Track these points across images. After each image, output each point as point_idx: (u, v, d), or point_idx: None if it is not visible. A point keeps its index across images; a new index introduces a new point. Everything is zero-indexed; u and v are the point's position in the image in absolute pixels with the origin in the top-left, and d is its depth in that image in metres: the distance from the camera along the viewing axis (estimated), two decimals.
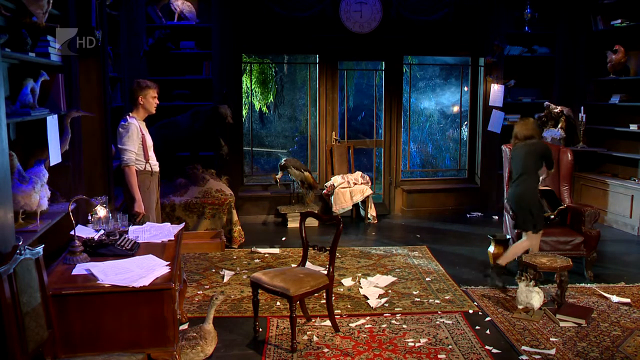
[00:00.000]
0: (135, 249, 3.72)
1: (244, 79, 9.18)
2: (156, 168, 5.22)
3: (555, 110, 8.40)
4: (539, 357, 4.14)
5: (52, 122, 4.14)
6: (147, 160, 5.09)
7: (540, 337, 4.47)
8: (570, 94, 8.97)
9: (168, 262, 3.46)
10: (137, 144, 5.00)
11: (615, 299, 5.25)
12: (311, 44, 8.73)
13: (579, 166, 8.40)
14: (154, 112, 5.20)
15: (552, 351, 4.21)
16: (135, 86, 5.10)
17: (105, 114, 5.58)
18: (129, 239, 3.84)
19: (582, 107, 8.58)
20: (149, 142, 5.16)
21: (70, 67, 4.76)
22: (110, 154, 5.70)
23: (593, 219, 5.92)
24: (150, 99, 5.09)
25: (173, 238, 4.10)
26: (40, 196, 3.76)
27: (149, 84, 5.11)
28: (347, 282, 5.72)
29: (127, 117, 5.07)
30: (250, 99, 10.00)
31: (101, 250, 3.62)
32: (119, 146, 4.99)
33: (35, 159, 4.07)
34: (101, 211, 3.96)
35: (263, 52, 10.14)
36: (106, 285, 3.10)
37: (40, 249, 2.96)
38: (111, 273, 3.23)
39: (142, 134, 5.06)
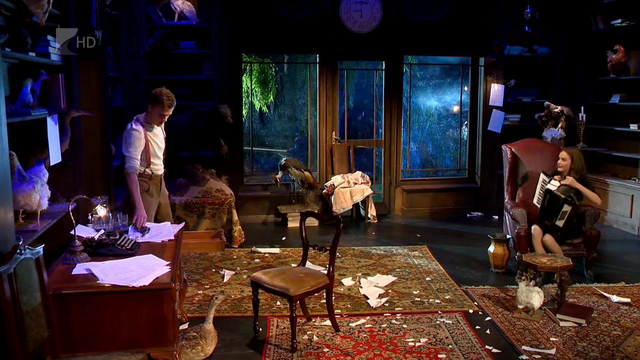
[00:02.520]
0: (136, 249, 3.73)
1: (244, 78, 9.18)
2: (158, 172, 5.16)
3: (555, 110, 8.39)
4: (539, 356, 4.14)
5: (52, 121, 4.14)
6: (148, 164, 5.04)
7: (540, 336, 4.47)
8: (570, 93, 8.97)
9: (168, 262, 3.46)
10: (140, 149, 4.93)
11: (615, 298, 5.25)
12: (311, 43, 8.73)
13: None
14: (156, 125, 5.07)
15: (552, 351, 4.21)
16: (154, 92, 4.93)
17: (105, 113, 5.58)
18: (129, 239, 3.85)
19: (582, 107, 8.57)
20: (155, 147, 5.07)
21: (70, 67, 4.76)
22: (110, 153, 5.70)
23: (593, 219, 5.92)
24: (157, 115, 4.96)
25: (173, 238, 4.11)
26: (40, 196, 3.76)
27: (164, 101, 4.88)
28: (347, 281, 5.72)
29: (133, 121, 4.99)
30: (250, 98, 10.00)
31: (101, 250, 3.63)
32: (123, 152, 4.95)
33: (35, 159, 4.08)
34: (101, 211, 3.96)
35: (263, 52, 10.13)
36: (106, 285, 3.10)
37: (40, 248, 2.96)
38: (111, 273, 3.23)
39: (147, 140, 4.97)
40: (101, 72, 5.51)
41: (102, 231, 3.92)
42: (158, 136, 5.14)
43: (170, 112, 5.04)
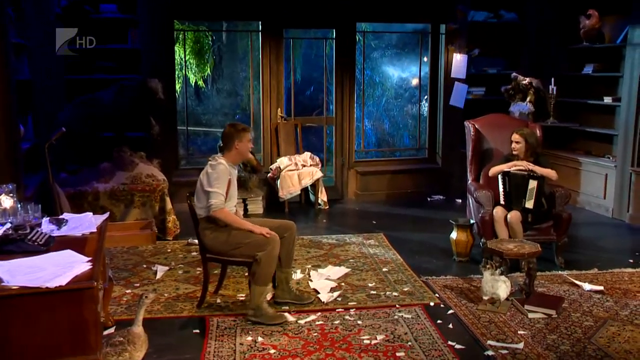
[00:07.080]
0: (51, 244, 3.62)
1: (176, 49, 9.02)
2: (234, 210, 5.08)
3: (524, 82, 8.53)
4: (506, 351, 4.22)
5: None
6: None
7: (507, 330, 4.56)
8: (539, 64, 9.12)
9: (89, 258, 3.38)
10: (226, 186, 4.84)
11: (587, 286, 5.39)
12: (253, 9, 8.62)
13: (549, 143, 8.53)
14: (248, 157, 5.04)
15: (520, 345, 4.30)
16: (230, 129, 4.93)
17: (8, 87, 5.34)
18: (42, 233, 3.72)
19: (552, 79, 8.69)
20: (233, 190, 5.01)
21: None
22: (18, 135, 5.49)
23: (564, 201, 6.06)
24: (247, 143, 4.94)
25: (95, 230, 4.01)
26: None
27: (245, 127, 4.99)
28: (296, 275, 5.72)
29: (216, 156, 4.94)
30: (184, 71, 9.83)
31: (7, 247, 3.50)
32: (207, 188, 4.80)
33: None
34: (7, 202, 3.83)
35: (198, 19, 9.95)
36: (13, 288, 2.99)
37: None
38: (20, 273, 3.13)
39: (230, 179, 4.91)
40: (1, 39, 5.26)
41: (9, 225, 3.79)
42: (235, 179, 5.07)
43: None
